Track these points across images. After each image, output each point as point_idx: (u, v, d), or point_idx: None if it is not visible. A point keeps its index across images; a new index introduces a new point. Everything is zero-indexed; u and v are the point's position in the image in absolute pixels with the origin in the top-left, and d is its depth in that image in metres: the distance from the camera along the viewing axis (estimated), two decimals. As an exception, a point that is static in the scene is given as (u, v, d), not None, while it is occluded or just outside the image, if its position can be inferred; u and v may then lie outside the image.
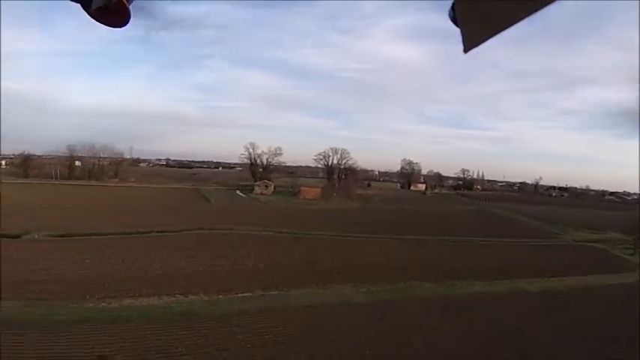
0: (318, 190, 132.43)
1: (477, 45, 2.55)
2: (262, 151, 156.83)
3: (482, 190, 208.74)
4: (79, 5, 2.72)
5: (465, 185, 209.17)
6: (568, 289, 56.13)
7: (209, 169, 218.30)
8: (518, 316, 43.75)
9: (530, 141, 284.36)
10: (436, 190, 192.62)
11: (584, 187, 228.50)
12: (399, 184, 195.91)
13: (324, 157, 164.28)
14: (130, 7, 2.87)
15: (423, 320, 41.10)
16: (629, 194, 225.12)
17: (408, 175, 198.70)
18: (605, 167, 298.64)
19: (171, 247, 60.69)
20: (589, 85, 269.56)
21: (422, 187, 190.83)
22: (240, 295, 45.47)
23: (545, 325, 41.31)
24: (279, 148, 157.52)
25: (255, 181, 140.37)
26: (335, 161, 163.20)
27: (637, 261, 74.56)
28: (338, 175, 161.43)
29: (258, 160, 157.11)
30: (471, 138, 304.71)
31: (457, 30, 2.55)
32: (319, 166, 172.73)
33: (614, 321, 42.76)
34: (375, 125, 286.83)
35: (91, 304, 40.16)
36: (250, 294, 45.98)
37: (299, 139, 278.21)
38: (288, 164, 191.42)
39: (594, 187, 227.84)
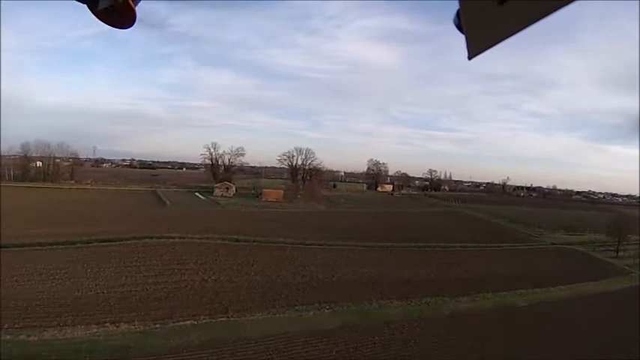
0: (281, 192, 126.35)
1: (481, 52, 2.65)
2: (224, 151, 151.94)
3: (450, 190, 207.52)
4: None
5: (433, 186, 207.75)
6: (560, 301, 52.23)
7: (173, 170, 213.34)
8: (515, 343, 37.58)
9: (498, 142, 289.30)
10: (403, 191, 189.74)
11: (551, 187, 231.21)
12: (365, 185, 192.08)
13: (289, 157, 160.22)
14: (137, 8, 2.86)
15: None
16: (594, 194, 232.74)
17: (374, 175, 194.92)
18: (570, 168, 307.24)
19: (112, 260, 52.82)
20: (555, 88, 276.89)
21: (389, 188, 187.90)
22: (182, 322, 38.05)
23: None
24: (242, 148, 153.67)
25: (217, 183, 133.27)
26: (300, 162, 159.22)
27: (622, 264, 72.90)
28: (303, 176, 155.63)
29: (220, 161, 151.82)
30: (438, 139, 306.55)
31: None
32: (284, 166, 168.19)
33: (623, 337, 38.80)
34: (342, 126, 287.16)
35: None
36: (194, 322, 38.49)
37: (266, 139, 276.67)
38: (253, 165, 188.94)
39: (561, 187, 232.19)
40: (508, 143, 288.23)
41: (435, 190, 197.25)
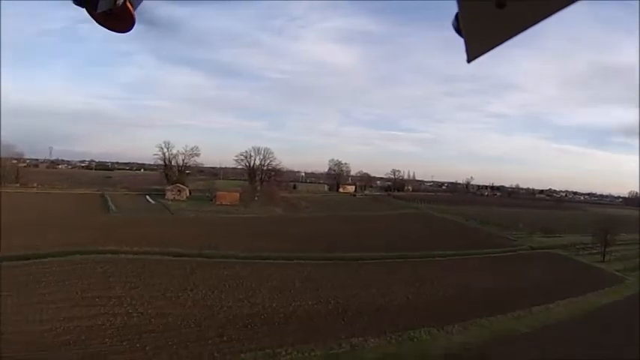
0: (237, 195, 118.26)
1: (480, 55, 2.78)
2: (178, 151, 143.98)
3: (413, 190, 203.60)
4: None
5: (396, 186, 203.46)
6: (565, 323, 44.34)
7: (130, 172, 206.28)
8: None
9: (460, 142, 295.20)
10: (366, 192, 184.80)
11: (514, 186, 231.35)
12: (326, 186, 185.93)
13: (246, 157, 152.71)
14: (136, 11, 3.01)
15: None
16: (556, 192, 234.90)
17: (336, 176, 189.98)
18: (531, 167, 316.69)
19: (21, 285, 41.71)
20: (516, 90, 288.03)
21: (351, 188, 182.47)
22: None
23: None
24: (197, 148, 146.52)
25: (169, 186, 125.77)
26: (258, 162, 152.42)
27: (611, 270, 68.55)
28: (261, 178, 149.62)
29: (174, 162, 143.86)
30: (399, 139, 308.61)
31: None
32: (240, 167, 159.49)
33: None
34: (303, 126, 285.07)
35: None
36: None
37: (227, 140, 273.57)
38: (213, 165, 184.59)
39: (523, 185, 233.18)
40: (470, 143, 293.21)
41: (399, 191, 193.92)
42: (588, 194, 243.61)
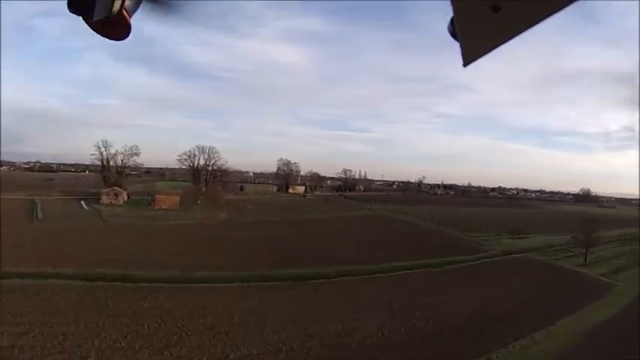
0: (177, 198, 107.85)
1: (475, 59, 2.76)
2: (117, 151, 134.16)
3: (365, 190, 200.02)
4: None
5: (348, 186, 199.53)
6: (578, 349, 36.12)
7: (75, 174, 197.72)
8: None
9: (411, 142, 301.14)
10: (317, 192, 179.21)
11: (466, 185, 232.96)
12: (275, 187, 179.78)
13: (190, 157, 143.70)
14: (131, 20, 3.07)
15: None
16: (507, 190, 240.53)
17: (285, 176, 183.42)
18: (482, 165, 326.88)
19: None
20: (466, 91, 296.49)
21: (301, 189, 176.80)
22: None
23: None
24: (136, 147, 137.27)
25: (106, 188, 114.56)
26: (202, 162, 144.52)
27: (594, 274, 62.96)
28: (206, 179, 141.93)
29: (112, 162, 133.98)
30: (349, 139, 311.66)
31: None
32: (184, 167, 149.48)
33: None
34: (253, 126, 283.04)
35: None
36: None
37: (176, 139, 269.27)
38: (161, 166, 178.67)
39: (475, 184, 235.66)
40: (421, 143, 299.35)
41: (350, 190, 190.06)
42: (539, 191, 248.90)
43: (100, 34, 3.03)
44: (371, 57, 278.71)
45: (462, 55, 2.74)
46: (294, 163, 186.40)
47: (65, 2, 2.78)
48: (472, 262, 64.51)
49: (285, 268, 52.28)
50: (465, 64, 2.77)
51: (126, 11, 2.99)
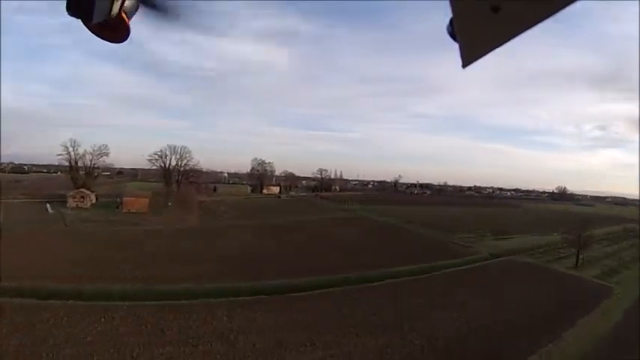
0: (145, 200, 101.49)
1: (475, 60, 2.77)
2: (85, 150, 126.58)
3: (341, 190, 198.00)
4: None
5: (323, 186, 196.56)
6: None
7: (47, 175, 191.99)
8: None
9: (387, 142, 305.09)
10: (292, 193, 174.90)
11: (442, 184, 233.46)
12: (249, 188, 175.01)
13: (161, 157, 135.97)
14: (130, 22, 3.09)
15: None
16: (483, 188, 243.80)
17: (259, 176, 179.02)
18: (458, 165, 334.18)
19: None
20: (443, 92, 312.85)
21: (276, 189, 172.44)
22: None
23: None
24: (105, 146, 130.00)
25: (74, 190, 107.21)
26: (174, 162, 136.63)
27: (588, 277, 59.55)
28: (177, 179, 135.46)
29: (80, 163, 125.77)
30: (325, 139, 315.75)
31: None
32: (154, 167, 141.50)
33: None
34: (229, 126, 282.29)
35: None
36: None
37: (151, 139, 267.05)
38: (134, 167, 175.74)
39: (450, 183, 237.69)
40: (397, 142, 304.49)
41: (326, 191, 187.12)
42: (514, 190, 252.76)
43: (99, 36, 3.01)
44: (348, 57, 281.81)
45: (461, 55, 2.71)
46: (269, 162, 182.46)
47: (63, 5, 2.76)
48: (461, 268, 60.03)
49: (261, 280, 45.85)
50: (465, 65, 2.76)
51: (125, 14, 2.99)
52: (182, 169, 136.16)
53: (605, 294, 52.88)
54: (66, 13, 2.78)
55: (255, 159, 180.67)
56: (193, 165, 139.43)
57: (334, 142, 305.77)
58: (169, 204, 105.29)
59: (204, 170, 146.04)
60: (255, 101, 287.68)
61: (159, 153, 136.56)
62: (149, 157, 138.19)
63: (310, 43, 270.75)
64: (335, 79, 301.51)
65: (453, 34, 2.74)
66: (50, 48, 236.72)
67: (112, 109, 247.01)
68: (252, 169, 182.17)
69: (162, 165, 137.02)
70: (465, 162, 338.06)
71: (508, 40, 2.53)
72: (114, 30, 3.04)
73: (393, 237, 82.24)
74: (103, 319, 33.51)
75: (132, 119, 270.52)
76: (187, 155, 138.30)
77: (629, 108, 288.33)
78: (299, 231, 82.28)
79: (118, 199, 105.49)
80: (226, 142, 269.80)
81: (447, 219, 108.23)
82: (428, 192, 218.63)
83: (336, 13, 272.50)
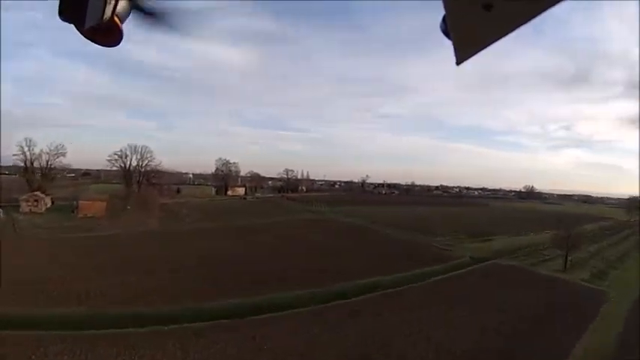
0: (103, 204, 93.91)
1: (468, 57, 2.78)
2: (42, 150, 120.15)
3: (307, 191, 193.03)
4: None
5: (289, 186, 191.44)
6: None
7: (9, 176, 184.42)
8: None
9: (353, 142, 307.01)
10: (257, 194, 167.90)
11: (409, 184, 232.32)
12: (214, 189, 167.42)
13: (121, 157, 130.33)
14: (123, 25, 3.08)
15: None
16: (450, 188, 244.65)
17: (224, 177, 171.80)
18: (424, 165, 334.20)
19: None
20: (410, 93, 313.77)
21: (241, 190, 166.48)
22: None
23: None
24: (62, 146, 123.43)
25: (29, 193, 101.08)
26: (135, 162, 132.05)
27: (576, 280, 55.26)
28: (139, 181, 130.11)
29: (37, 163, 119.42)
30: (292, 139, 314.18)
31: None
32: (114, 168, 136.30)
33: None
34: (196, 126, 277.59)
35: None
36: None
37: (117, 140, 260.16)
38: (98, 168, 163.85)
39: (418, 182, 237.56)
40: (363, 143, 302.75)
41: (292, 191, 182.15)
42: (481, 189, 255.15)
43: (92, 40, 2.98)
44: (315, 58, 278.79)
45: (455, 53, 2.71)
46: (234, 163, 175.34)
47: (56, 11, 2.74)
48: (444, 275, 53.27)
49: (221, 297, 38.30)
50: (458, 63, 2.75)
51: (117, 17, 2.98)
52: (143, 169, 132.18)
53: (601, 300, 48.06)
54: (57, 17, 2.73)
55: (220, 159, 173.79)
56: (155, 165, 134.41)
57: (301, 142, 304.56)
58: (128, 207, 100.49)
59: (170, 171, 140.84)
60: (221, 101, 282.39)
61: (119, 153, 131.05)
62: (109, 157, 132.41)
63: (277, 43, 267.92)
64: (302, 79, 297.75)
65: (446, 32, 2.68)
66: (15, 46, 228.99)
67: (78, 108, 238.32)
68: (217, 169, 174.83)
69: (123, 165, 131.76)
70: (432, 162, 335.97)
71: (501, 37, 2.50)
72: (107, 34, 2.98)
73: (365, 241, 75.61)
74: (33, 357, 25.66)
75: (99, 119, 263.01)
76: (149, 155, 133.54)
77: (592, 109, 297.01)
78: (264, 235, 75.49)
79: (75, 203, 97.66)
80: (192, 142, 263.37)
81: (418, 219, 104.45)
82: (396, 192, 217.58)
83: (302, 14, 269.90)
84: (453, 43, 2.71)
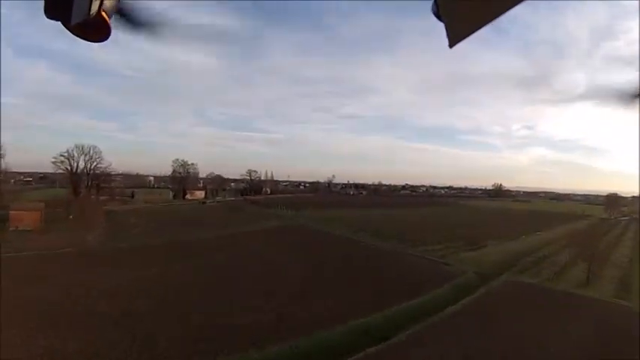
0: (37, 214, 78.32)
1: (461, 39, 2.66)
2: None
3: (272, 192, 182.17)
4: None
5: (253, 188, 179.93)
6: None
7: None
8: None
9: (317, 142, 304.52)
10: (218, 197, 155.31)
11: (376, 184, 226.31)
12: (171, 193, 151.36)
13: (68, 158, 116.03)
14: (111, 20, 3.01)
15: None
16: (417, 187, 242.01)
17: (181, 179, 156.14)
18: (389, 164, 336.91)
19: None
20: (373, 93, 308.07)
21: (200, 194, 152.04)
22: None
23: None
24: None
25: None
26: (82, 165, 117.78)
27: (608, 296, 43.68)
28: (87, 185, 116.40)
29: None
30: (254, 140, 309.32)
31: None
32: (60, 171, 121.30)
33: None
34: (158, 127, 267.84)
35: None
36: None
37: (78, 142, 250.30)
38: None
39: (385, 182, 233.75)
40: (327, 143, 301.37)
41: (256, 193, 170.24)
42: (448, 188, 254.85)
43: (80, 36, 2.91)
44: (276, 58, 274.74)
45: (448, 36, 2.61)
46: (192, 164, 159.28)
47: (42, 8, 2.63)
48: (455, 306, 38.81)
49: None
50: (451, 45, 2.62)
51: (105, 12, 2.91)
52: (91, 172, 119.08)
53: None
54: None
55: (177, 160, 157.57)
56: (105, 167, 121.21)
57: (264, 143, 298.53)
58: (70, 217, 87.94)
59: (129, 174, 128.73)
60: (182, 102, 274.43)
61: (65, 154, 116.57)
62: (53, 159, 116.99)
63: (239, 43, 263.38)
64: (264, 79, 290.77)
65: (437, 14, 2.61)
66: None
67: (36, 109, 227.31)
68: (174, 171, 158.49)
69: (69, 168, 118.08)
70: (396, 161, 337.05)
71: (494, 18, 2.39)
72: (94, 29, 2.89)
73: (345, 257, 59.77)
74: None
75: (57, 120, 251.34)
76: (97, 156, 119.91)
77: (553, 109, 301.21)
78: (218, 254, 58.84)
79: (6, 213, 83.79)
80: (154, 143, 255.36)
81: (396, 223, 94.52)
82: (364, 192, 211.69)
83: (264, 13, 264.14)
84: (445, 25, 2.56)
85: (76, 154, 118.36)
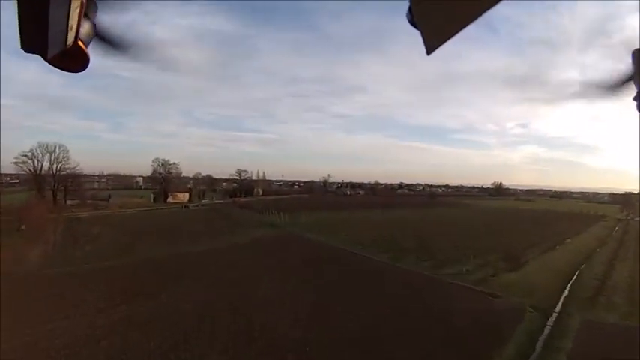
0: None
1: (438, 46, 2.64)
2: None
3: (264, 193, 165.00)
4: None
5: (244, 188, 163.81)
6: None
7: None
8: None
9: (309, 142, 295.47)
10: (204, 200, 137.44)
11: (373, 183, 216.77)
12: (152, 196, 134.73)
13: (32, 159, 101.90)
14: (89, 49, 2.97)
15: None
16: (413, 186, 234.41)
17: (162, 181, 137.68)
18: (384, 164, 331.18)
19: None
20: (363, 92, 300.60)
21: (183, 197, 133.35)
22: None
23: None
24: None
25: None
26: (47, 165, 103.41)
27: None
28: (53, 188, 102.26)
29: None
30: (245, 140, 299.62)
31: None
32: (23, 172, 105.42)
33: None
34: (147, 127, 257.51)
35: None
36: None
37: (67, 143, 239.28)
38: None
39: (382, 181, 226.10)
40: (319, 142, 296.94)
41: (247, 194, 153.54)
42: (444, 186, 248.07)
43: (59, 67, 2.86)
44: (267, 58, 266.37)
45: (424, 43, 2.57)
46: (174, 163, 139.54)
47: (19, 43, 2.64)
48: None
49: None
50: (429, 52, 2.59)
51: (81, 42, 2.87)
52: (57, 173, 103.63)
53: None
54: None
55: (157, 159, 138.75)
56: (73, 168, 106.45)
57: (256, 143, 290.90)
58: (22, 227, 71.32)
59: (82, 174, 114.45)
60: (172, 102, 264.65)
61: (28, 154, 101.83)
62: (15, 160, 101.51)
63: (229, 43, 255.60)
64: (254, 79, 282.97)
65: (412, 22, 2.56)
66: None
67: (27, 110, 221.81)
68: (154, 171, 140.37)
69: (32, 169, 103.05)
70: (391, 160, 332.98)
71: (468, 24, 2.35)
72: (73, 59, 2.84)
73: (356, 286, 43.46)
74: None
75: (47, 121, 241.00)
76: (64, 156, 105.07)
77: (547, 107, 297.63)
78: (190, 282, 41.19)
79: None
80: (144, 144, 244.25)
81: (410, 230, 77.63)
82: (361, 192, 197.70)
83: (255, 13, 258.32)
84: (421, 33, 2.51)
85: (40, 154, 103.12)
